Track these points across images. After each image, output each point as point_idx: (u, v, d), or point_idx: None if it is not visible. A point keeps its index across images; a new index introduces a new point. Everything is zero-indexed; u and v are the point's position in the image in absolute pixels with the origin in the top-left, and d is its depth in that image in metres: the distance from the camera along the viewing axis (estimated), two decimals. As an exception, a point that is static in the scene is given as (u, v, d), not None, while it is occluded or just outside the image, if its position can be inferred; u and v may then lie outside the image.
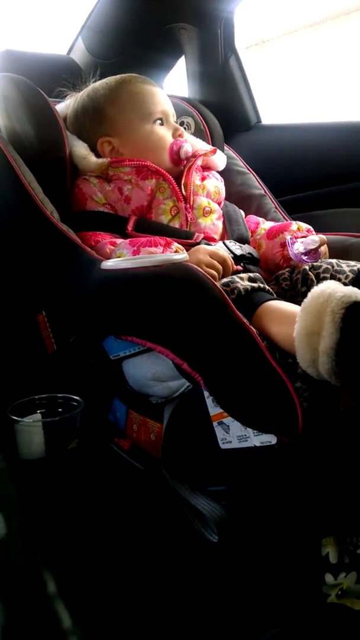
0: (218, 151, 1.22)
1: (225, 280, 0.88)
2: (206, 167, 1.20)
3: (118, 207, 1.07)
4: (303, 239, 1.05)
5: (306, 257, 1.02)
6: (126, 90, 1.12)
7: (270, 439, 0.77)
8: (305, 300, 0.73)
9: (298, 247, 1.03)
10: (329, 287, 0.73)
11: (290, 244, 1.05)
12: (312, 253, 1.02)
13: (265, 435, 0.77)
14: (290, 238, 1.06)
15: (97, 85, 1.16)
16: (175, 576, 0.83)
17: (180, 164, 1.12)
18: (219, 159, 1.23)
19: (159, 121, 1.12)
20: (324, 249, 1.06)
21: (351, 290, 0.71)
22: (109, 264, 0.87)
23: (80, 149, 1.09)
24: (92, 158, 1.08)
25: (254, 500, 0.83)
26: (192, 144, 1.18)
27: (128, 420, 0.97)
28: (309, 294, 0.74)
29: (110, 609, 0.76)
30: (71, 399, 0.94)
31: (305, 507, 0.78)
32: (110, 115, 1.11)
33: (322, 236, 1.06)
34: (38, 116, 1.07)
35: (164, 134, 1.12)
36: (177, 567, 0.84)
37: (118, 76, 1.16)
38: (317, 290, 0.73)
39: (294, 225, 1.14)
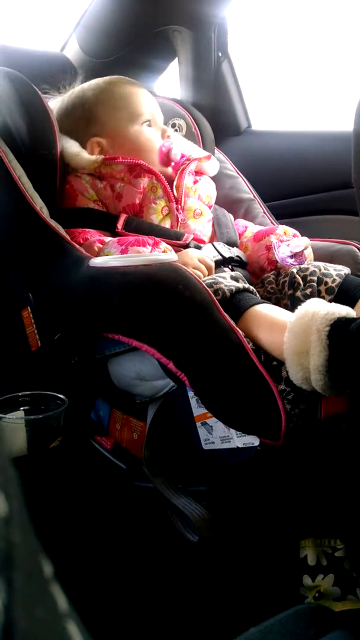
0: (212, 157, 1.23)
1: (208, 280, 0.88)
2: (198, 172, 1.21)
3: (109, 204, 1.07)
4: (289, 242, 1.06)
5: (292, 259, 1.03)
6: (115, 92, 1.13)
7: (252, 440, 0.77)
8: (290, 320, 0.75)
9: (284, 250, 1.04)
10: (312, 306, 0.74)
11: (276, 247, 1.05)
12: (298, 256, 1.03)
13: (247, 436, 0.78)
14: (276, 241, 1.07)
15: (85, 86, 1.17)
16: (154, 575, 0.83)
17: (168, 165, 1.13)
18: (212, 166, 1.23)
19: (147, 122, 1.12)
20: (308, 251, 1.07)
21: (334, 307, 0.73)
22: (97, 262, 0.87)
23: (72, 146, 1.09)
24: (85, 155, 1.08)
25: (234, 501, 0.84)
26: (185, 149, 1.18)
27: (111, 419, 0.97)
28: (294, 314, 0.75)
29: (93, 600, 0.76)
30: (55, 397, 0.93)
31: (284, 509, 0.79)
32: (100, 117, 1.11)
33: (306, 238, 1.08)
34: (31, 112, 1.06)
35: (153, 135, 1.12)
36: (156, 565, 0.84)
37: (106, 77, 1.16)
38: (301, 310, 0.75)
39: (281, 229, 1.15)
